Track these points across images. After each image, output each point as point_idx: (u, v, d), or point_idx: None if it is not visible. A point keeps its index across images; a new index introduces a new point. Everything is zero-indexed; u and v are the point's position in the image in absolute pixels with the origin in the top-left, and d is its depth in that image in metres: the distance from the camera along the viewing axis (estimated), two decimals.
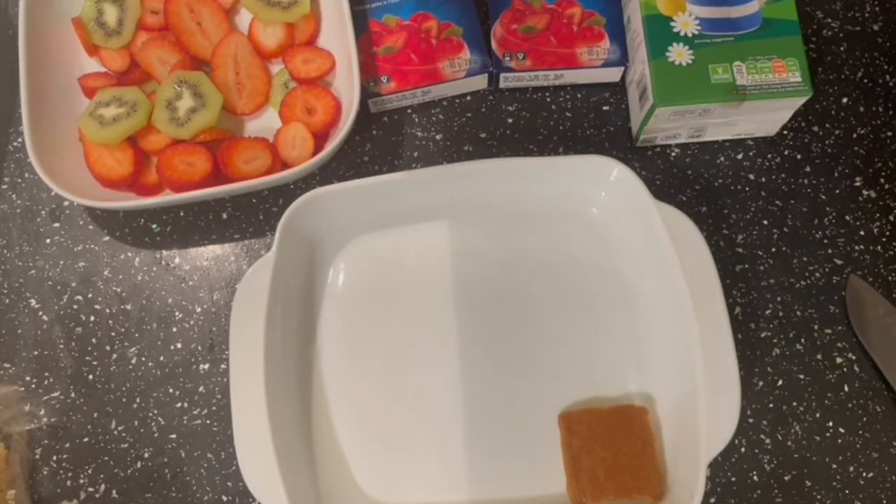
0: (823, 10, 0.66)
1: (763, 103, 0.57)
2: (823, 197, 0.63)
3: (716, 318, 0.53)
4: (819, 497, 0.57)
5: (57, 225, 0.63)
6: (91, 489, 0.58)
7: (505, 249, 0.59)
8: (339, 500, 0.55)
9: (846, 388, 0.59)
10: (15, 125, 0.65)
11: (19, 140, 0.65)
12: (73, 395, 0.60)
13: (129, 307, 0.61)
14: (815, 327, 0.60)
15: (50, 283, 0.62)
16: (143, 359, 0.60)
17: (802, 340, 0.60)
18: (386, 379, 0.58)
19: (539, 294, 0.58)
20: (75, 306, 0.62)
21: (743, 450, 0.57)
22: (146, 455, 0.58)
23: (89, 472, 0.58)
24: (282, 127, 0.61)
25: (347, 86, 0.60)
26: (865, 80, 0.65)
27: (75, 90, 0.63)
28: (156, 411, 0.59)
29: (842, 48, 0.66)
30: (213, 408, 0.59)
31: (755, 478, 0.57)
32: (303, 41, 0.63)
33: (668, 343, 0.56)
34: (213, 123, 0.60)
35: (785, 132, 0.64)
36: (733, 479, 0.57)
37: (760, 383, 0.59)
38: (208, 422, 0.59)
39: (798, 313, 0.60)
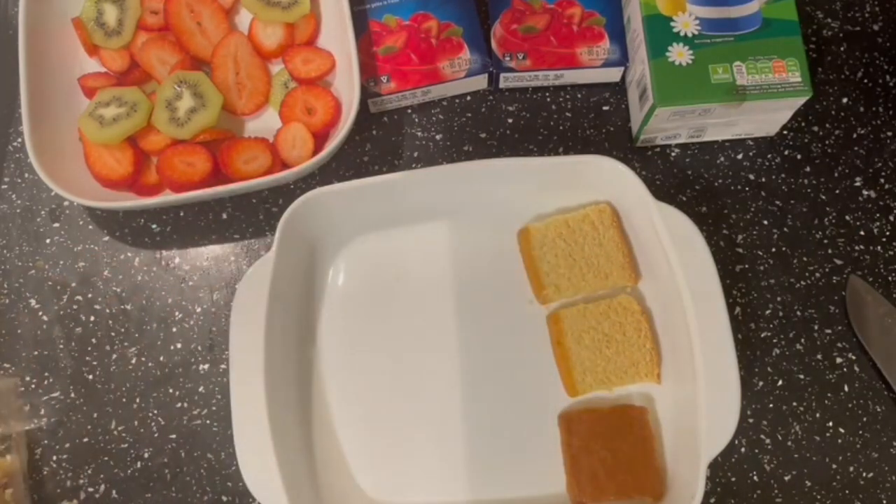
0: (823, 10, 0.66)
1: (763, 103, 0.57)
2: (823, 197, 0.62)
3: (716, 318, 0.53)
4: (819, 497, 0.57)
5: (57, 225, 0.63)
6: (91, 489, 0.58)
7: (505, 249, 0.59)
8: (339, 500, 0.55)
9: (846, 388, 0.59)
10: (15, 125, 0.65)
11: (19, 140, 0.65)
12: (73, 395, 0.60)
13: (129, 307, 0.61)
14: (815, 327, 0.60)
15: (50, 283, 0.62)
16: (143, 359, 0.60)
17: (802, 340, 0.60)
18: (385, 379, 0.58)
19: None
20: (75, 306, 0.62)
21: (743, 450, 0.57)
22: (146, 455, 0.58)
23: (89, 472, 0.58)
24: (282, 127, 0.61)
25: (347, 86, 0.60)
26: (865, 80, 0.65)
27: (75, 90, 0.63)
28: (156, 411, 0.59)
29: (842, 48, 0.66)
30: (213, 408, 0.59)
31: (755, 478, 0.57)
32: (303, 41, 0.63)
33: (668, 343, 0.56)
34: (213, 123, 0.60)
35: (785, 132, 0.64)
36: (733, 479, 0.57)
37: (760, 383, 0.59)
38: (208, 422, 0.59)
39: (798, 313, 0.60)
